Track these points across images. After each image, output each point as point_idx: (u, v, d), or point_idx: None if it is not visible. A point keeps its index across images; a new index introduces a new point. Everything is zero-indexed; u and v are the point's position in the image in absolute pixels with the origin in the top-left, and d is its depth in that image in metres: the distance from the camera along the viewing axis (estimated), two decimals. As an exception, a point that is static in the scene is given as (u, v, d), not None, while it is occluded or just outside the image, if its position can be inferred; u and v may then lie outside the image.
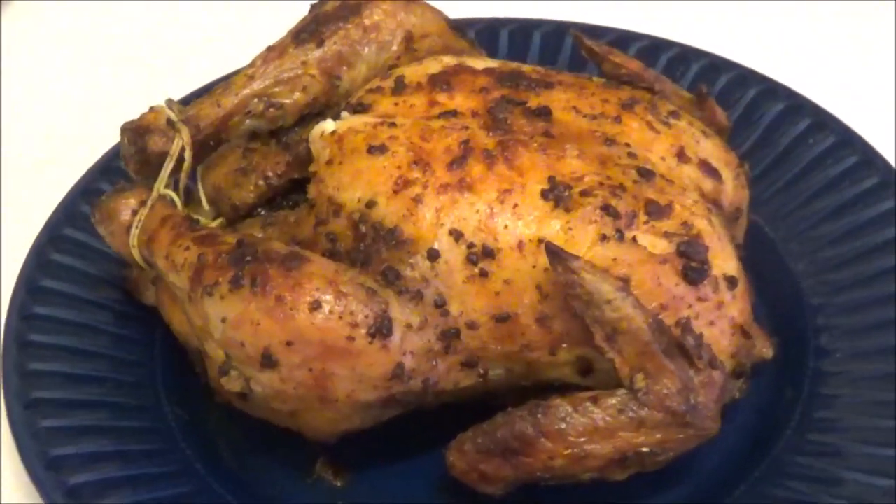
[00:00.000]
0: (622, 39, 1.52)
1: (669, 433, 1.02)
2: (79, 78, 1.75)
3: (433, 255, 1.04)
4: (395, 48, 1.23)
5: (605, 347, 1.01)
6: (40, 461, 1.09)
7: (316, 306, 1.01)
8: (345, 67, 1.22)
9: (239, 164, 1.22)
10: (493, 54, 1.49)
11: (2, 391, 1.17)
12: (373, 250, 1.06)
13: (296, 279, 1.02)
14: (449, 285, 1.04)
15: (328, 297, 1.01)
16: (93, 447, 1.11)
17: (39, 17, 1.86)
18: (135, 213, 1.16)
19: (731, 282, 1.06)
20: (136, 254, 1.15)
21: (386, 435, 1.13)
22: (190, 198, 1.25)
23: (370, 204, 1.07)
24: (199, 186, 1.24)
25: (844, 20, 1.81)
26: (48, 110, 1.68)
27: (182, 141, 1.17)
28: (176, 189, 1.19)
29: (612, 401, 1.02)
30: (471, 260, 1.04)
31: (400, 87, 1.16)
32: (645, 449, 1.03)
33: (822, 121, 1.40)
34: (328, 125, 1.14)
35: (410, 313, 1.04)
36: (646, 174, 1.07)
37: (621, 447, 1.03)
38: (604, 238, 1.03)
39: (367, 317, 1.01)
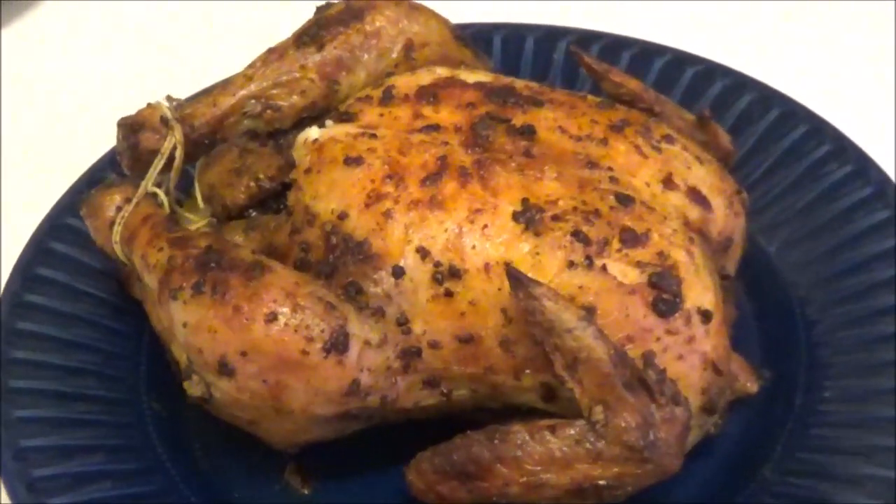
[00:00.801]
0: (616, 44, 1.52)
1: (627, 468, 1.00)
2: (88, 73, 1.77)
3: (398, 272, 1.03)
4: (394, 55, 1.22)
5: (565, 376, 0.99)
6: (9, 451, 1.09)
7: (272, 318, 1.00)
8: (344, 73, 1.22)
9: (234, 164, 1.22)
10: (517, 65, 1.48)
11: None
12: (340, 263, 1.05)
13: (254, 290, 1.01)
14: (413, 303, 1.03)
15: (285, 310, 1.00)
16: (63, 440, 1.12)
17: (54, 16, 1.89)
18: (119, 209, 1.16)
19: (706, 316, 1.03)
20: (117, 250, 1.15)
21: (356, 445, 1.12)
22: (189, 195, 1.25)
23: (342, 216, 1.06)
24: (196, 184, 1.24)
25: (844, 22, 1.79)
26: (56, 106, 1.70)
27: (174, 139, 1.17)
28: (166, 187, 1.19)
29: (570, 431, 1.00)
30: (436, 279, 1.03)
31: (387, 98, 1.15)
32: (602, 482, 1.01)
33: (817, 128, 1.37)
34: (312, 133, 1.13)
35: (370, 330, 1.03)
36: (624, 200, 1.05)
37: (578, 479, 1.01)
38: (571, 265, 1.01)
39: (323, 331, 1.01)
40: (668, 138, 1.13)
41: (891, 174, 1.31)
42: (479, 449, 1.03)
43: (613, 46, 1.49)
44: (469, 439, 1.03)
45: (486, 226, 1.03)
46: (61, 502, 1.06)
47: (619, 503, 1.03)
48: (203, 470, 1.17)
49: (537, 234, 1.02)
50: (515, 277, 0.99)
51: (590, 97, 1.17)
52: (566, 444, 1.01)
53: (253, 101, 1.20)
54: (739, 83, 1.43)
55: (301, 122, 1.21)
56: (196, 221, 1.19)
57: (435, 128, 1.11)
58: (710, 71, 1.45)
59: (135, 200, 1.16)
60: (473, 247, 1.02)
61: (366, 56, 1.22)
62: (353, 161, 1.08)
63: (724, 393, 1.06)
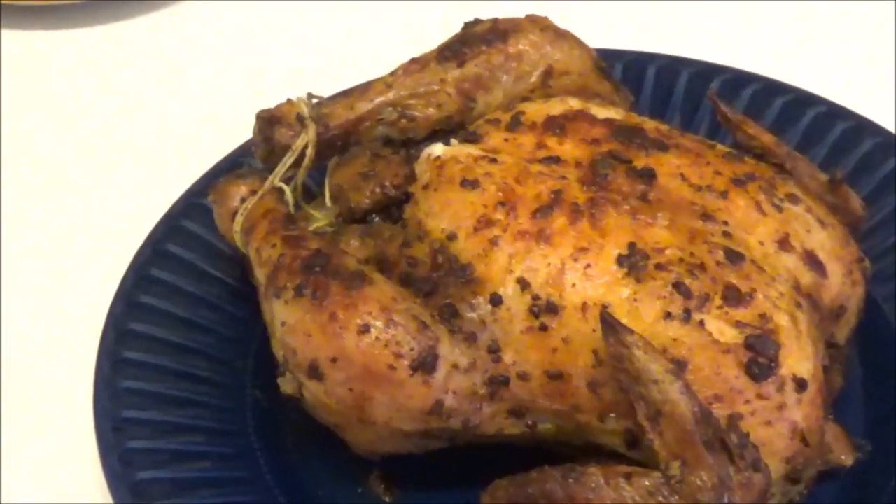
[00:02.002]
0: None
1: (698, 527, 0.99)
2: (240, 64, 1.81)
3: (496, 300, 1.04)
4: (533, 80, 1.23)
5: (646, 426, 0.99)
6: (109, 422, 1.13)
7: (365, 330, 1.02)
8: (481, 91, 1.23)
9: (364, 167, 1.23)
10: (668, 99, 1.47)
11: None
12: (441, 283, 1.06)
13: (352, 299, 1.03)
14: (506, 332, 1.04)
15: (378, 324, 1.02)
16: (162, 416, 1.16)
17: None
18: (243, 200, 1.19)
19: (801, 384, 1.01)
20: (237, 239, 1.18)
21: (443, 460, 1.13)
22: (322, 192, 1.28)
23: (451, 236, 1.07)
24: (326, 182, 1.26)
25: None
26: (204, 94, 1.76)
27: (307, 138, 1.19)
28: (294, 184, 1.21)
29: (646, 482, 1.00)
30: (533, 312, 1.03)
31: (515, 124, 1.15)
32: (670, 537, 1.00)
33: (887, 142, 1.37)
34: (436, 149, 1.14)
35: (460, 354, 1.04)
36: (734, 257, 1.03)
37: None
38: (668, 316, 1.00)
39: (412, 349, 1.02)
40: (791, 198, 1.11)
41: None
42: (553, 485, 1.03)
43: (767, 90, 1.47)
44: (545, 474, 1.04)
45: (588, 265, 1.03)
46: (148, 476, 1.10)
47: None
48: (290, 460, 1.19)
49: (638, 281, 1.01)
50: (608, 322, 0.98)
51: (719, 146, 1.15)
52: (639, 494, 1.00)
53: (389, 108, 1.22)
54: (888, 143, 1.39)
55: (435, 135, 1.23)
56: (319, 220, 1.21)
57: (555, 160, 1.11)
58: (860, 128, 1.42)
59: (259, 193, 1.18)
60: (574, 285, 1.02)
61: (504, 77, 1.23)
62: (469, 183, 1.09)
63: (810, 464, 1.04)
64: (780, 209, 1.09)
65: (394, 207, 1.21)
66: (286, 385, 1.08)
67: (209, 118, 1.68)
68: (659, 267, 1.02)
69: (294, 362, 1.05)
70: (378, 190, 1.21)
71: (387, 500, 1.17)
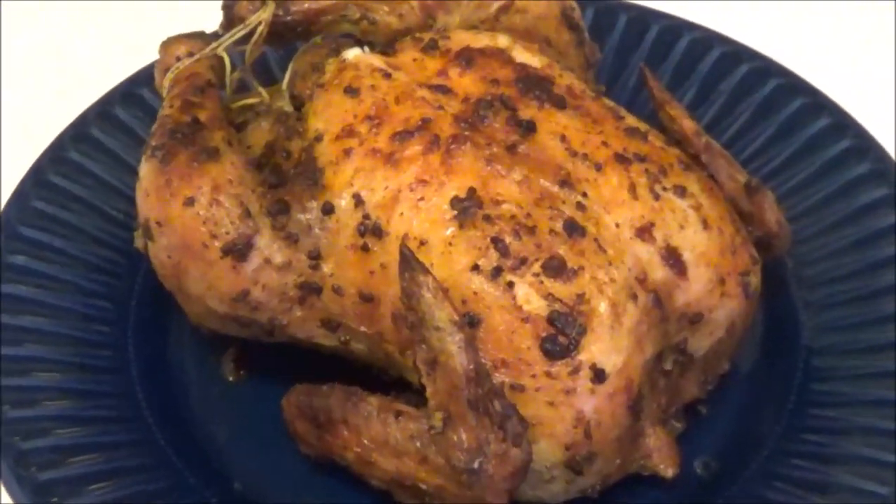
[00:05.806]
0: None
1: (448, 484, 0.97)
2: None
3: (328, 209, 1.04)
4: (491, 11, 1.19)
5: (423, 370, 0.97)
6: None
7: (189, 203, 1.03)
8: (442, 11, 1.21)
9: (319, 59, 1.24)
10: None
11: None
12: (292, 180, 1.07)
13: (190, 171, 1.04)
14: (331, 243, 1.04)
15: (203, 200, 1.03)
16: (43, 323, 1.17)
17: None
18: (179, 59, 1.21)
19: (599, 375, 0.96)
20: (163, 94, 1.21)
21: (304, 361, 1.13)
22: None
23: (319, 138, 1.07)
24: (290, 66, 1.27)
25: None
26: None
27: (262, 16, 1.20)
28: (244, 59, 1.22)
29: (410, 424, 0.99)
30: (360, 230, 1.02)
31: (431, 47, 1.13)
32: (423, 486, 0.99)
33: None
34: (348, 53, 1.14)
35: (277, 250, 1.04)
36: (573, 230, 0.99)
37: (404, 472, 1.00)
38: (476, 268, 0.98)
39: (228, 233, 1.03)
40: (679, 189, 1.04)
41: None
42: (334, 403, 1.03)
43: (732, 56, 1.43)
44: (333, 391, 1.04)
45: (422, 198, 1.01)
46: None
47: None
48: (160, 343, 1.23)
49: (461, 227, 0.99)
50: (406, 257, 0.96)
51: (629, 119, 1.09)
52: (401, 435, 0.99)
53: (354, 7, 1.22)
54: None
55: (393, 42, 1.22)
56: (253, 97, 1.22)
57: (445, 90, 1.08)
58: (818, 105, 1.37)
59: (195, 57, 1.20)
60: (402, 214, 1.01)
61: (466, 2, 1.20)
62: (351, 91, 1.09)
63: (596, 459, 0.99)
64: (657, 197, 1.03)
65: (332, 104, 1.22)
66: (138, 239, 1.11)
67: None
68: (486, 218, 0.99)
69: (138, 218, 1.08)
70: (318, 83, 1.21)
71: (230, 378, 1.19)
